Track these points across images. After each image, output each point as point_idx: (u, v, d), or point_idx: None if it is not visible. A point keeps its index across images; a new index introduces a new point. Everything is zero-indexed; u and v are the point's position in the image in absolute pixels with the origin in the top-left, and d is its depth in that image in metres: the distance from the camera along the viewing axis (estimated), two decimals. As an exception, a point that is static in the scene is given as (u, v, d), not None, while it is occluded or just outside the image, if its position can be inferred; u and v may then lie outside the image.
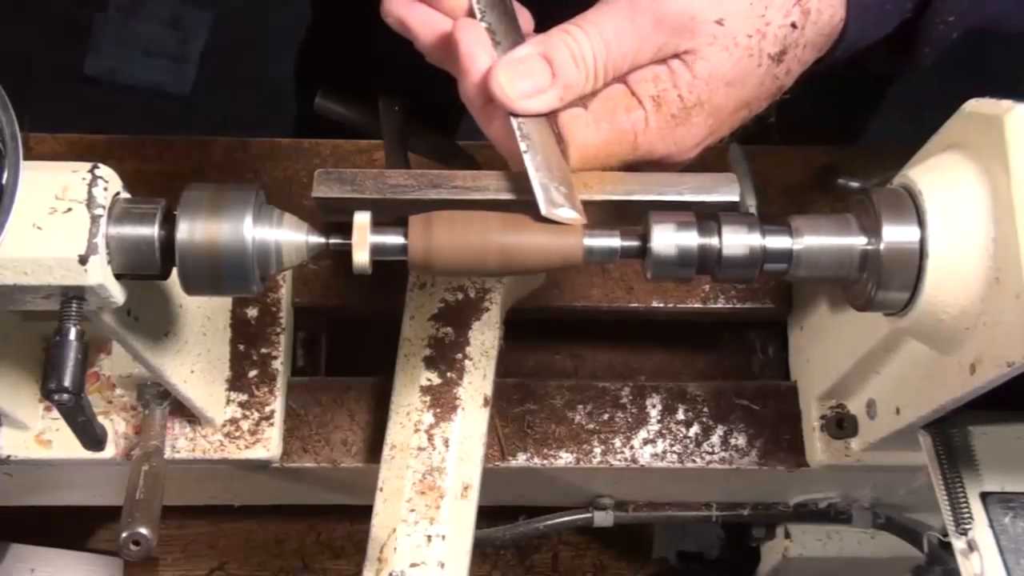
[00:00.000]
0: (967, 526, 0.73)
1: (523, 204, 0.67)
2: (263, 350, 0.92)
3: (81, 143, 1.02)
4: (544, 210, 0.64)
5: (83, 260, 0.61)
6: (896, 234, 0.64)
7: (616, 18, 0.65)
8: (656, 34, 0.65)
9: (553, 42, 0.66)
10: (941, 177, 0.65)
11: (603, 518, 1.05)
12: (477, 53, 0.66)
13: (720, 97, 0.67)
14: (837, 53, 0.69)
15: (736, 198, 0.68)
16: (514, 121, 0.66)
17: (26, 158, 0.60)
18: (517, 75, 0.65)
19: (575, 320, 1.04)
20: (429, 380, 0.87)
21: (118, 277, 0.64)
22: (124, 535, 0.77)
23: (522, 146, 0.65)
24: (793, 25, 0.66)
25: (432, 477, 0.83)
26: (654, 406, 0.96)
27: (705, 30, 0.65)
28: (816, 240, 0.66)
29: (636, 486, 1.04)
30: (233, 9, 2.42)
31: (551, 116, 0.67)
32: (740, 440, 0.95)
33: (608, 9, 0.66)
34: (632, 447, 0.95)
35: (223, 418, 0.90)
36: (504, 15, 0.69)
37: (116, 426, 0.88)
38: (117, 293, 0.64)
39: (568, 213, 0.64)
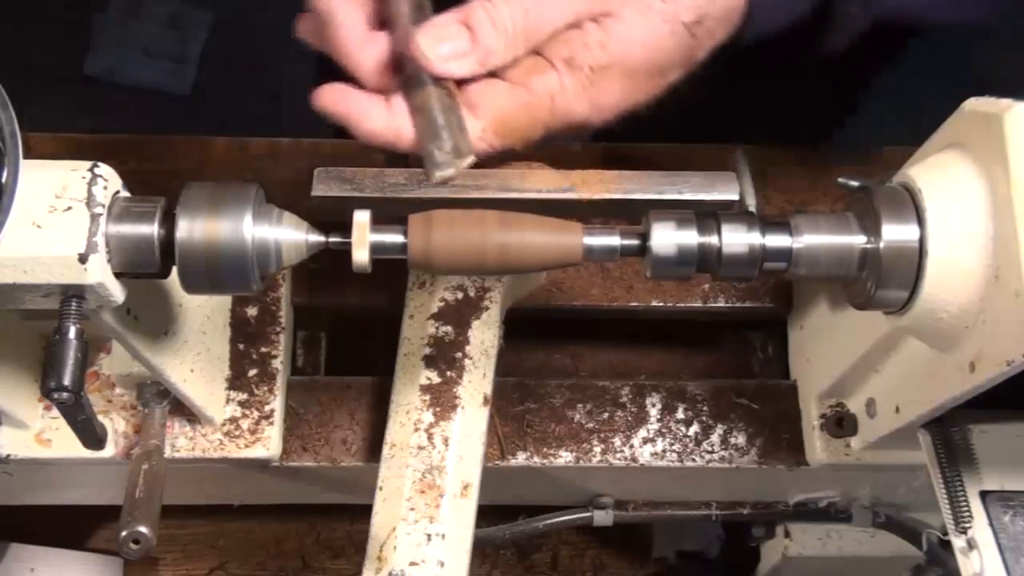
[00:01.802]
0: (967, 525, 0.73)
1: (523, 203, 0.67)
2: (263, 349, 0.92)
3: (81, 143, 1.02)
4: (428, 178, 0.65)
5: (83, 259, 0.61)
6: (896, 233, 0.64)
7: None
8: (573, 0, 0.67)
9: (472, 8, 0.67)
10: (941, 176, 0.65)
11: (603, 517, 1.05)
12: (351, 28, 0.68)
13: (635, 59, 0.69)
14: (748, 32, 0.72)
15: (736, 196, 0.68)
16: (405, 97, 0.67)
17: (26, 157, 0.60)
18: (436, 38, 0.66)
19: (575, 319, 1.04)
20: (429, 379, 0.87)
21: (118, 276, 0.64)
22: (124, 534, 0.77)
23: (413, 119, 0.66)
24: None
25: (432, 476, 0.83)
26: (654, 405, 0.96)
27: None
28: (816, 239, 0.66)
29: (636, 485, 1.04)
30: (233, 9, 2.42)
31: (456, 88, 0.67)
32: (740, 439, 0.95)
33: None
34: (632, 446, 0.95)
35: (223, 417, 0.90)
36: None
37: (116, 425, 0.88)
38: (117, 292, 0.64)
39: (447, 171, 0.65)
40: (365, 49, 0.68)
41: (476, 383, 0.87)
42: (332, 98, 0.68)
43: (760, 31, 0.72)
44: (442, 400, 0.86)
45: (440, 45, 0.66)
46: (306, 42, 0.72)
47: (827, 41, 0.77)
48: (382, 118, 0.68)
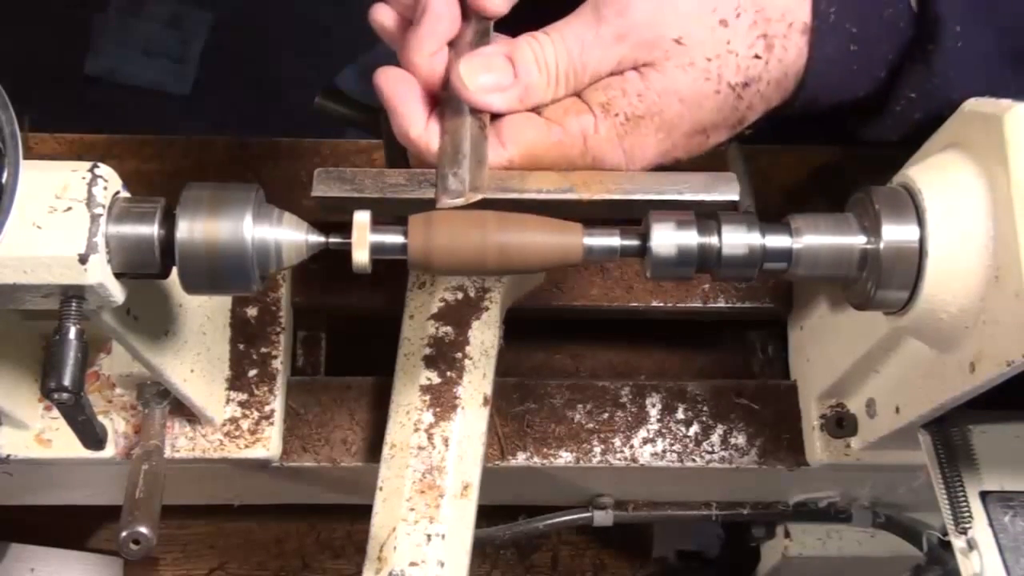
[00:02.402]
0: (967, 525, 0.73)
1: (523, 203, 0.67)
2: (263, 349, 0.92)
3: (81, 143, 1.02)
4: (436, 200, 0.66)
5: (83, 259, 0.61)
6: (896, 233, 0.64)
7: (580, 28, 0.67)
8: (617, 46, 0.67)
9: (518, 44, 0.68)
10: (941, 176, 0.65)
11: (603, 517, 1.05)
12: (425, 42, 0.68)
13: (673, 114, 0.68)
14: (798, 101, 0.70)
15: (736, 197, 0.68)
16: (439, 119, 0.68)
17: (26, 158, 0.60)
18: (479, 68, 0.67)
19: (575, 319, 1.04)
20: (429, 379, 0.87)
21: (118, 276, 0.64)
22: (124, 534, 0.77)
23: (441, 140, 0.67)
24: (757, 56, 0.67)
25: (432, 476, 0.83)
26: (654, 405, 0.96)
27: (664, 46, 0.66)
28: (816, 239, 0.66)
29: (636, 485, 1.04)
30: (233, 9, 2.42)
31: (489, 120, 0.68)
32: (740, 439, 0.95)
33: (574, 20, 0.68)
34: (632, 446, 0.95)
35: (223, 417, 0.90)
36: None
37: (116, 425, 0.88)
38: (117, 292, 0.64)
39: (455, 200, 0.66)
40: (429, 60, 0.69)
41: (476, 383, 0.87)
42: (390, 82, 0.68)
43: (813, 98, 0.70)
44: (442, 400, 0.86)
45: (481, 75, 0.66)
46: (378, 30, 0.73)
47: (881, 128, 0.74)
48: (420, 125, 0.68)
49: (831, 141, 1.01)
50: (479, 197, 0.65)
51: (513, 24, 0.71)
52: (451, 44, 0.70)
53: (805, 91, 0.69)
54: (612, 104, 0.67)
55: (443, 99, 0.69)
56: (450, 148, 0.67)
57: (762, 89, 0.69)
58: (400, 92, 0.68)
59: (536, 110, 0.69)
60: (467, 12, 0.69)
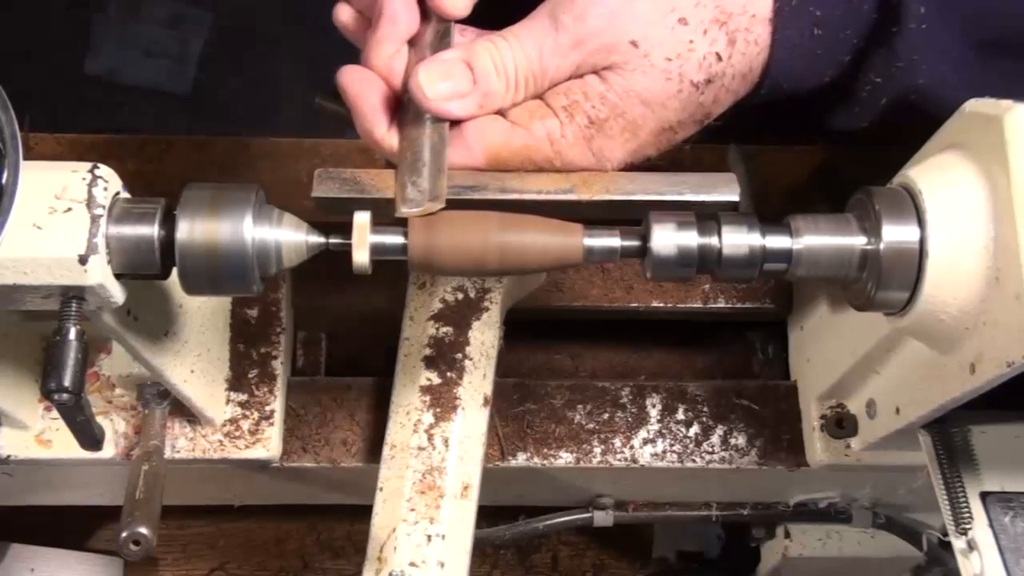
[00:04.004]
0: (967, 526, 0.73)
1: (523, 204, 0.67)
2: (263, 350, 0.92)
3: (81, 143, 1.02)
4: (395, 208, 0.65)
5: (83, 260, 0.61)
6: (896, 234, 0.64)
7: (538, 34, 0.67)
8: (575, 52, 0.67)
9: (476, 50, 0.67)
10: (941, 177, 0.65)
11: (603, 518, 1.05)
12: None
13: (636, 115, 0.68)
14: (763, 88, 0.70)
15: (736, 198, 0.68)
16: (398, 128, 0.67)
17: (26, 158, 0.60)
18: (437, 75, 0.66)
19: (575, 320, 1.04)
20: (429, 380, 0.87)
21: (118, 277, 0.64)
22: (124, 535, 0.77)
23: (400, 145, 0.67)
24: (719, 56, 0.67)
25: (432, 477, 0.83)
26: (654, 406, 0.96)
27: (621, 50, 0.66)
28: (816, 240, 0.66)
29: (636, 486, 1.04)
30: (233, 9, 2.42)
31: (446, 127, 0.67)
32: (740, 440, 0.95)
33: (532, 24, 0.67)
34: (632, 447, 0.95)
35: (223, 418, 0.90)
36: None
37: (116, 426, 0.88)
38: (117, 293, 0.64)
39: (413, 209, 0.65)
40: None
41: (476, 384, 0.87)
42: (353, 81, 0.68)
43: (777, 86, 0.70)
44: (442, 401, 0.86)
45: (439, 83, 0.66)
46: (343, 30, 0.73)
47: (850, 116, 0.73)
48: (383, 127, 0.68)
49: (835, 141, 1.01)
50: (439, 207, 0.65)
51: (474, 22, 0.71)
52: (411, 43, 0.69)
53: (769, 77, 0.69)
54: (575, 108, 0.67)
55: (403, 103, 0.69)
56: (409, 156, 0.66)
57: (726, 83, 0.68)
58: (363, 92, 0.68)
59: (501, 113, 0.68)
60: (427, 12, 0.69)
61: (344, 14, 0.72)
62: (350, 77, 0.69)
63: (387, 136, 0.68)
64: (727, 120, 0.72)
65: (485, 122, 0.68)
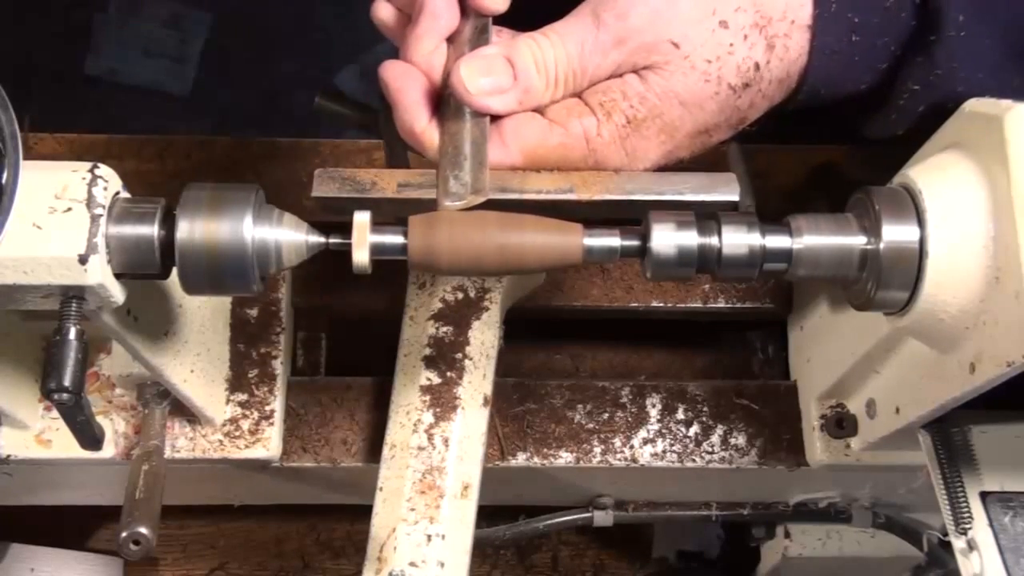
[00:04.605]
0: (967, 525, 0.73)
1: (523, 203, 0.67)
2: (263, 350, 0.92)
3: (81, 143, 1.02)
4: (438, 202, 0.65)
5: (83, 260, 0.61)
6: (896, 233, 0.64)
7: (580, 31, 0.67)
8: (616, 51, 0.67)
9: (517, 46, 0.67)
10: (941, 176, 0.65)
11: (603, 518, 1.05)
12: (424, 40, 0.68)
13: (674, 116, 0.68)
14: (801, 94, 0.70)
15: (736, 197, 0.68)
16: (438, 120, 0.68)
17: (26, 158, 0.60)
18: (479, 70, 0.67)
19: (575, 320, 1.04)
20: (429, 380, 0.87)
21: (118, 276, 0.64)
22: (124, 535, 0.77)
23: (441, 140, 0.67)
24: (757, 66, 0.67)
25: (432, 476, 0.83)
26: (654, 406, 0.96)
27: (662, 50, 0.66)
28: (816, 239, 0.66)
29: (636, 486, 1.04)
30: (233, 9, 2.42)
31: (487, 121, 0.68)
32: (740, 440, 0.95)
33: (574, 22, 0.67)
34: (632, 447, 0.95)
35: (223, 418, 0.90)
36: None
37: (116, 426, 0.88)
38: (117, 293, 0.64)
39: (457, 203, 0.65)
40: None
41: (476, 384, 0.87)
42: (395, 76, 0.68)
43: (815, 92, 0.70)
44: (442, 401, 0.86)
45: (480, 78, 0.66)
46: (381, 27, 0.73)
47: (887, 124, 0.73)
48: (423, 121, 0.68)
49: (835, 140, 1.01)
50: (481, 199, 0.65)
51: (511, 20, 0.71)
52: (450, 40, 0.70)
53: (807, 83, 0.69)
54: (613, 107, 0.67)
55: (443, 98, 0.69)
56: (451, 150, 0.67)
57: (764, 88, 0.68)
58: (404, 86, 0.68)
59: (539, 111, 0.68)
60: (466, 8, 0.69)
61: (383, 11, 0.72)
62: (392, 72, 0.68)
63: (428, 129, 0.68)
64: (760, 130, 0.72)
65: (522, 120, 0.68)
